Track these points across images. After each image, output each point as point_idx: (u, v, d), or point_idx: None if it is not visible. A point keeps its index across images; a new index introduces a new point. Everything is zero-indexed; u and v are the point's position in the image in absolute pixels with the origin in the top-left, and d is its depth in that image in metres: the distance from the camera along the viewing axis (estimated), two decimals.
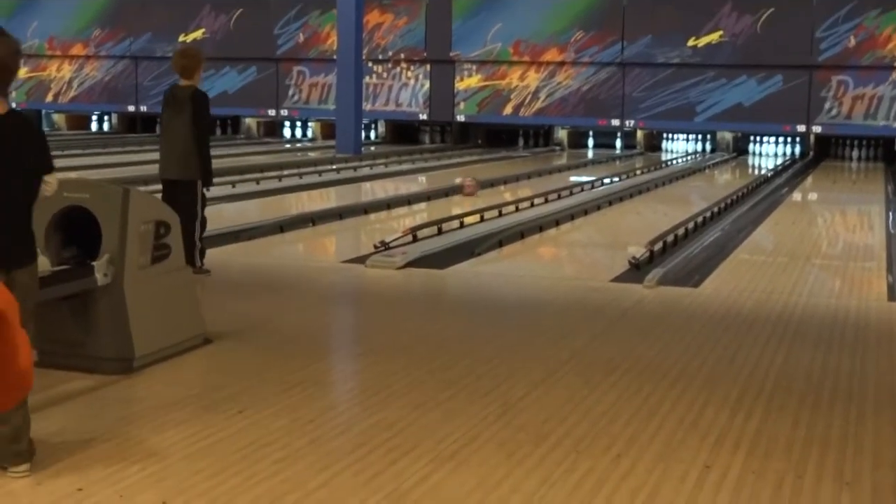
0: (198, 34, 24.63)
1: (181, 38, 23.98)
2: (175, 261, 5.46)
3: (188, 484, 3.69)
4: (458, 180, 13.96)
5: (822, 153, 22.10)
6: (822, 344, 6.01)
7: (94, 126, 26.73)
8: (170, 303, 5.40)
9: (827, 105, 21.31)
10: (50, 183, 3.99)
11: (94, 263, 4.95)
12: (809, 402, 4.83)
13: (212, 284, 7.35)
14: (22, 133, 3.88)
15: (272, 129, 25.38)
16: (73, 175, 10.81)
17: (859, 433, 4.41)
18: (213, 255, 8.10)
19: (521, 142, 23.99)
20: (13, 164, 3.82)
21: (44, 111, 26.59)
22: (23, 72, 26.12)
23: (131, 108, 25.52)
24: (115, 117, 26.34)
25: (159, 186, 7.81)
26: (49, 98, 26.38)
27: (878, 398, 4.94)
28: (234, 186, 13.30)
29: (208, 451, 4.00)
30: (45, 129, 26.11)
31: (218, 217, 9.95)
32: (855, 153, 22.21)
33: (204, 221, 7.67)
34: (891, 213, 12.78)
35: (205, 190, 7.69)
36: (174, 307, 5.45)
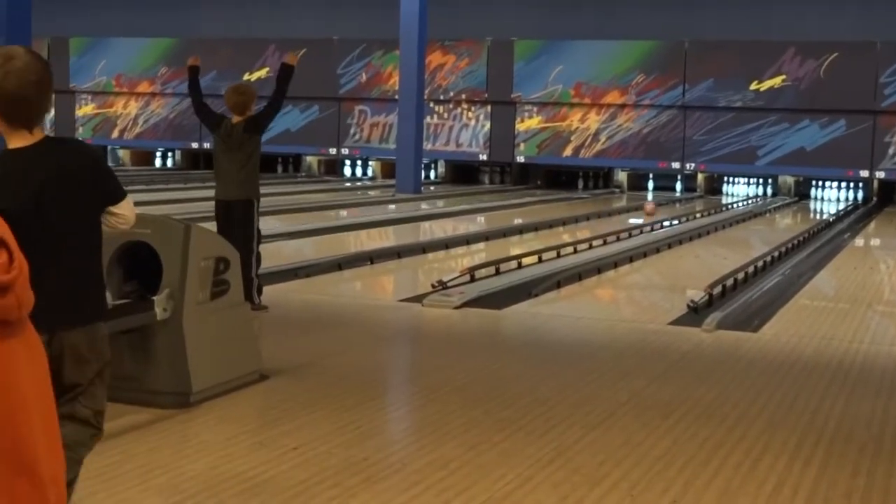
0: (262, 73, 24.94)
1: (245, 77, 24.31)
2: (234, 296, 5.50)
3: None
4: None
5: (885, 199, 21.81)
6: (884, 391, 5.91)
7: (157, 162, 27.14)
8: (227, 338, 5.44)
9: (891, 150, 21.06)
10: (117, 214, 3.37)
11: (154, 298, 5.00)
12: (870, 450, 4.75)
13: (269, 320, 7.40)
14: (61, 164, 3.20)
15: (333, 167, 25.58)
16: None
17: None
18: (272, 292, 8.15)
19: (580, 183, 23.96)
20: (47, 201, 3.15)
21: (109, 147, 27.06)
22: (90, 108, 26.75)
23: (195, 145, 25.87)
24: (178, 153, 26.73)
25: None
26: (115, 134, 26.83)
27: None
28: (299, 224, 13.42)
29: (262, 488, 4.02)
30: (110, 164, 26.56)
31: (277, 254, 10.03)
32: None
33: (259, 257, 7.73)
34: None
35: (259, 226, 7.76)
36: (232, 343, 5.49)
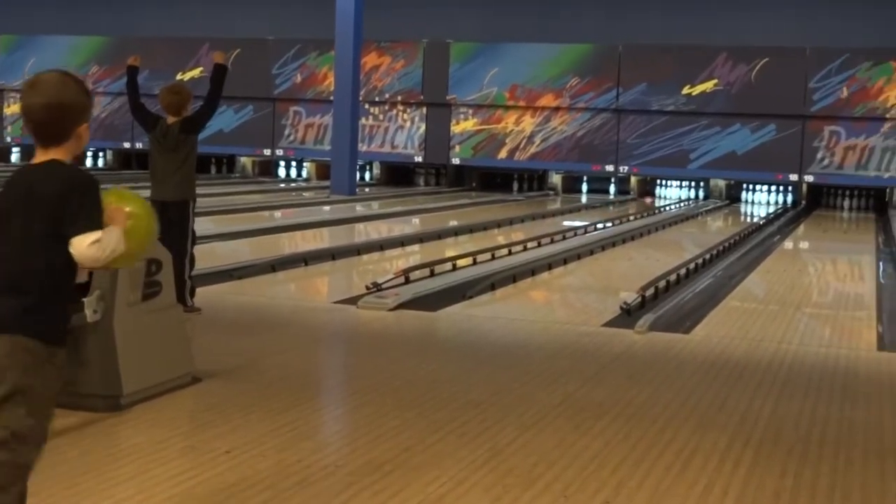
0: (196, 73, 24.73)
1: (179, 77, 24.08)
2: (165, 298, 5.45)
3: None
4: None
5: (813, 202, 22.21)
6: (812, 392, 6.01)
7: (89, 162, 26.77)
8: (159, 340, 5.39)
9: (819, 155, 21.44)
10: (76, 247, 3.11)
11: (84, 300, 4.94)
12: (798, 451, 4.82)
13: (202, 323, 7.34)
14: (34, 187, 3.19)
15: (267, 168, 25.43)
16: None
17: (847, 483, 4.40)
18: (205, 294, 8.09)
19: (515, 186, 24.07)
20: (13, 216, 3.17)
21: None
22: (18, 107, 26.30)
23: (127, 145, 25.59)
24: (110, 153, 26.40)
25: None
26: None
27: (866, 448, 4.93)
28: (233, 226, 13.32)
29: (195, 491, 3.99)
30: None
31: (210, 255, 9.95)
32: (846, 203, 22.32)
33: (193, 259, 7.68)
34: (881, 264, 12.83)
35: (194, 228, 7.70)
36: (163, 345, 5.44)
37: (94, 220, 3.16)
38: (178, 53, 24.89)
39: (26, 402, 3.10)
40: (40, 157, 3.22)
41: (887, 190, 21.67)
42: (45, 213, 3.13)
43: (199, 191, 8.01)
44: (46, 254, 3.15)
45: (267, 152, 24.78)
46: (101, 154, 26.65)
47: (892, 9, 21.59)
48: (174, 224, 7.49)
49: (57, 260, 3.15)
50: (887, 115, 20.99)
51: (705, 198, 22.81)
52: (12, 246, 3.15)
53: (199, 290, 7.86)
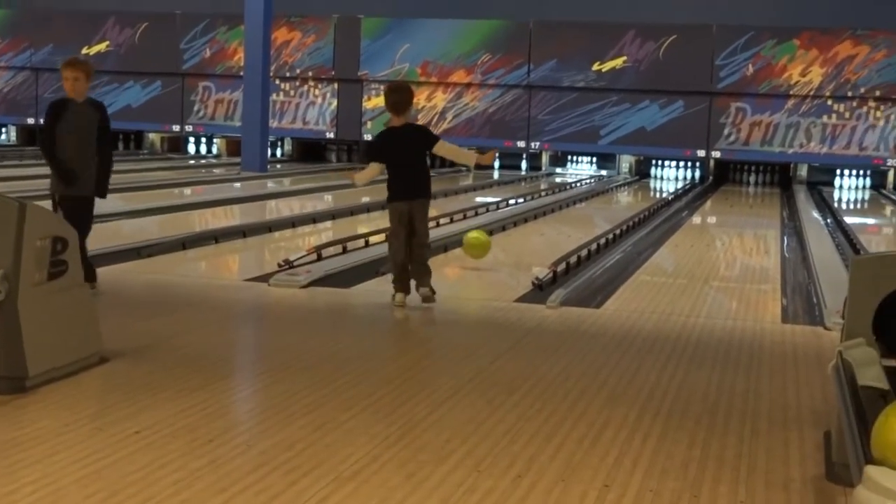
0: (101, 47, 24.28)
1: (84, 51, 23.63)
2: (72, 277, 5.35)
3: None
4: None
5: (720, 178, 22.59)
6: (719, 364, 6.12)
7: None
8: (65, 320, 5.29)
9: (726, 131, 21.80)
10: (439, 146, 7.63)
11: None
12: (705, 422, 4.91)
13: (110, 302, 7.22)
14: (409, 133, 7.54)
15: (176, 144, 25.10)
16: None
17: (753, 452, 4.49)
18: (112, 272, 7.97)
19: (427, 162, 24.04)
20: (411, 147, 7.52)
21: None
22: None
23: (31, 121, 25.01)
24: (13, 129, 25.79)
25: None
26: None
27: (771, 417, 5.04)
28: (141, 203, 13.11)
29: (103, 473, 3.93)
30: None
31: (117, 233, 9.80)
32: (752, 178, 22.75)
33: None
34: (785, 238, 13.09)
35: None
36: (70, 325, 5.34)
37: (437, 136, 7.60)
38: (83, 28, 24.38)
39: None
40: (398, 121, 7.48)
41: (791, 165, 22.13)
42: (420, 142, 7.47)
43: None
44: (422, 159, 7.56)
45: (176, 128, 24.45)
46: (3, 130, 26.02)
47: None
48: (83, 207, 7.31)
49: (424, 161, 7.58)
50: (791, 93, 21.42)
51: (615, 174, 23.04)
52: (412, 158, 7.50)
53: (107, 269, 7.73)
